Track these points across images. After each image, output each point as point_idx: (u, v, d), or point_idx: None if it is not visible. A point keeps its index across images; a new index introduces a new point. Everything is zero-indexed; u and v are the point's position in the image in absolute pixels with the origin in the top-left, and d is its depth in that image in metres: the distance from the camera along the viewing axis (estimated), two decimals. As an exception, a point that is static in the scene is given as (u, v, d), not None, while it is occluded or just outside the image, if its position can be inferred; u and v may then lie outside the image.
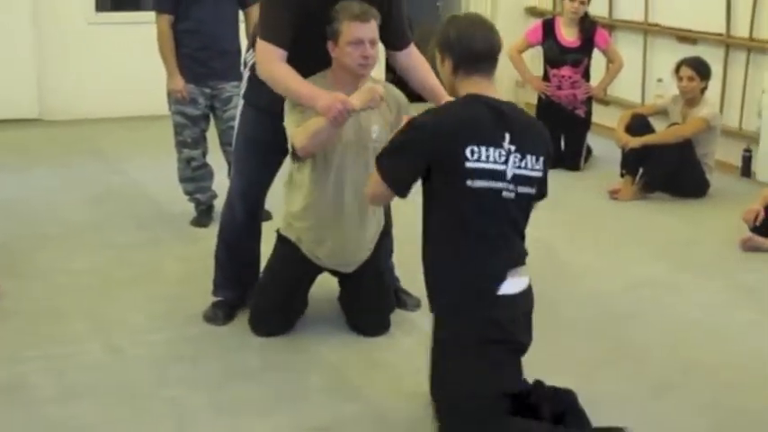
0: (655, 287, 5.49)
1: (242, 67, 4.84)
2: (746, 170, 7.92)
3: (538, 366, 4.45)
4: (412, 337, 4.69)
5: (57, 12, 9.30)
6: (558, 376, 4.33)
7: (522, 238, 3.85)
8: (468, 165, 3.60)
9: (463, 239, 3.67)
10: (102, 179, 7.43)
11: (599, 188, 7.36)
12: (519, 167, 3.69)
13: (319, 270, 4.74)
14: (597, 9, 8.69)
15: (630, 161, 7.27)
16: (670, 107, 7.37)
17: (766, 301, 5.33)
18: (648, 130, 7.31)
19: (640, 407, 4.13)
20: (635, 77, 9.04)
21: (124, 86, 9.48)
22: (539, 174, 3.77)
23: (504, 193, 3.67)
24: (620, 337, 4.81)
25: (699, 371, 4.45)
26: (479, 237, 3.67)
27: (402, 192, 3.76)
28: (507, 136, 3.67)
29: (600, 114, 8.76)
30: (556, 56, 8.06)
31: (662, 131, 7.28)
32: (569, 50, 8.02)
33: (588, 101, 8.16)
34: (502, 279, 3.69)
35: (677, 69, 7.18)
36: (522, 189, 3.71)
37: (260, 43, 4.33)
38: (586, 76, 8.10)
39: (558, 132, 8.16)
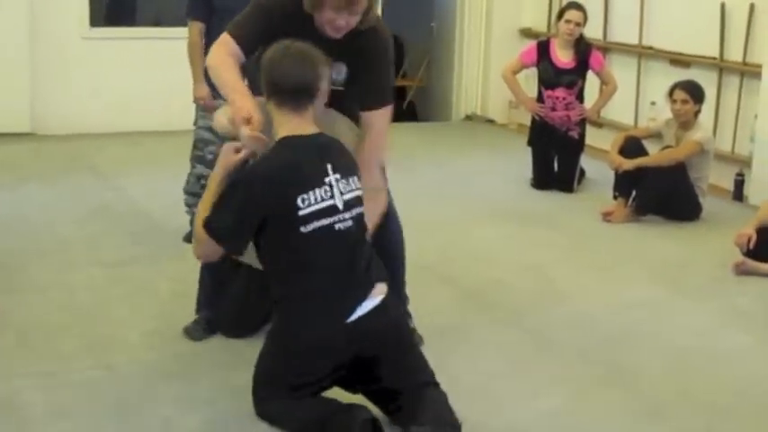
0: (647, 310, 5.49)
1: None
2: (739, 194, 7.94)
3: (529, 388, 4.46)
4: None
5: (51, 27, 9.30)
6: (550, 398, 4.35)
7: (370, 256, 3.94)
8: (301, 213, 3.74)
9: (308, 280, 3.82)
10: (95, 195, 7.42)
11: (592, 210, 7.37)
12: (346, 192, 3.84)
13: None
14: (592, 31, 8.72)
15: (624, 183, 7.28)
16: (663, 130, 7.38)
17: (760, 326, 5.34)
18: (642, 152, 7.33)
19: (632, 430, 4.13)
20: (629, 100, 9.08)
21: (118, 102, 9.49)
22: (359, 191, 3.92)
23: (337, 225, 3.80)
24: (612, 360, 4.81)
25: (692, 395, 4.45)
26: (323, 274, 3.81)
27: (239, 249, 3.93)
28: (329, 167, 3.82)
29: (593, 136, 8.79)
30: (550, 77, 8.08)
31: (655, 154, 7.30)
32: (564, 72, 8.03)
33: (582, 123, 8.17)
34: (352, 312, 3.80)
35: (671, 92, 7.20)
36: (356, 211, 3.87)
37: (223, 34, 4.27)
38: (580, 97, 8.12)
39: (552, 154, 8.19)
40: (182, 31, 9.74)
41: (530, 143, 8.33)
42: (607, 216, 7.23)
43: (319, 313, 3.79)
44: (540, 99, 8.18)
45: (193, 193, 6.32)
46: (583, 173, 8.26)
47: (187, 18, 6.21)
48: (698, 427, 4.17)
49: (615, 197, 7.36)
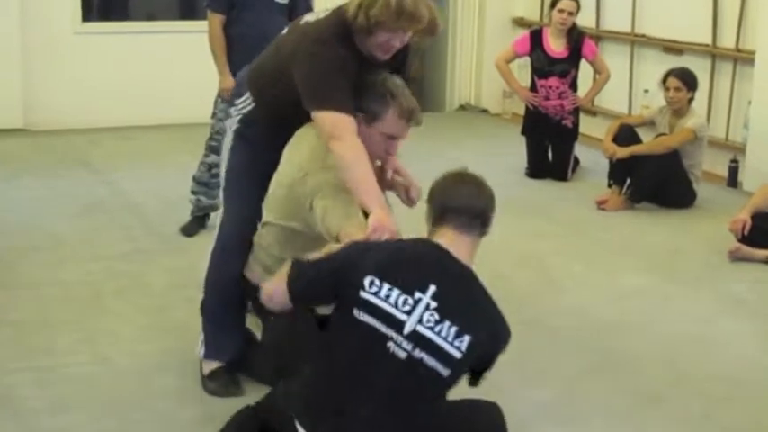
0: (642, 297, 5.50)
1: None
2: (733, 180, 7.94)
3: (525, 376, 4.46)
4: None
5: (43, 21, 9.27)
6: (545, 387, 4.36)
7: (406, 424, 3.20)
8: (363, 294, 3.19)
9: (314, 366, 3.31)
10: (89, 190, 7.41)
11: (586, 198, 7.37)
12: (428, 328, 3.15)
13: None
14: (584, 20, 8.72)
15: (618, 171, 7.29)
16: (657, 118, 7.38)
17: (755, 312, 5.35)
18: (636, 140, 7.33)
19: (628, 418, 4.14)
20: (622, 88, 9.07)
21: (111, 97, 9.46)
22: (456, 353, 3.16)
23: (390, 344, 3.15)
24: (607, 348, 4.82)
25: (687, 382, 4.46)
26: (328, 368, 3.26)
27: (299, 297, 3.39)
28: (432, 288, 3.19)
29: (587, 125, 8.79)
30: (543, 66, 8.08)
31: (649, 142, 7.30)
32: (557, 61, 8.03)
33: (575, 111, 8.17)
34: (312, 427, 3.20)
35: (664, 80, 7.20)
36: (423, 355, 3.14)
37: (329, 114, 3.71)
38: (574, 86, 8.11)
39: (546, 143, 8.19)
40: (173, 26, 9.85)
41: (524, 132, 8.32)
42: (601, 204, 7.23)
43: (307, 411, 3.24)
44: (533, 88, 8.18)
45: (202, 181, 6.33)
46: (577, 161, 8.26)
47: (207, 9, 6.18)
48: (694, 413, 4.18)
49: (609, 185, 7.37)
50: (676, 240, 6.56)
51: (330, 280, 3.30)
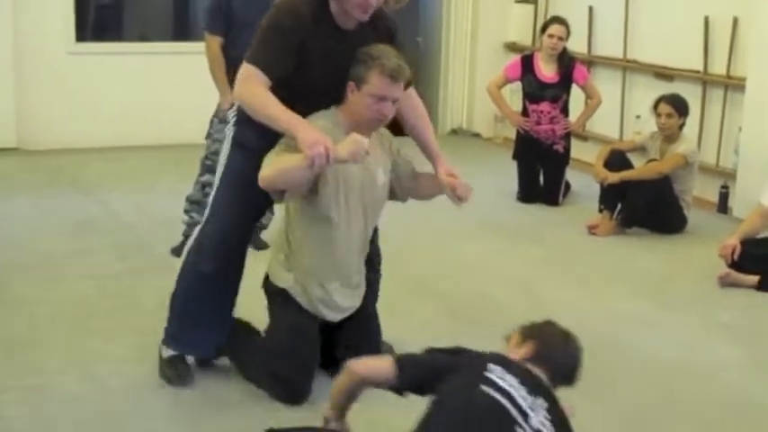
0: (632, 323, 5.51)
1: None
2: (723, 206, 7.97)
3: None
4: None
5: (37, 41, 9.28)
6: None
7: None
8: (488, 374, 3.20)
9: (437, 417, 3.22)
10: (81, 209, 7.41)
11: (577, 223, 7.39)
12: (546, 428, 3.16)
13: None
14: (576, 45, 8.76)
15: (609, 197, 7.31)
16: (648, 143, 7.41)
17: (744, 339, 5.35)
18: (627, 165, 7.35)
19: (619, 442, 4.15)
20: (613, 113, 9.10)
21: (103, 117, 9.48)
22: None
23: (517, 428, 3.10)
24: (596, 373, 4.79)
25: (675, 408, 4.46)
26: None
27: (404, 381, 3.43)
28: (544, 401, 3.23)
29: (578, 150, 8.82)
30: (535, 91, 8.11)
31: (640, 167, 7.32)
32: (548, 86, 8.06)
33: (567, 136, 8.19)
34: None
35: (656, 106, 7.23)
36: None
37: (245, 66, 4.08)
38: (565, 111, 8.14)
39: (537, 167, 8.21)
40: (167, 47, 9.88)
41: (515, 157, 8.34)
42: (592, 229, 7.25)
43: None
44: (524, 113, 8.20)
45: (195, 200, 6.33)
46: (568, 186, 8.28)
47: (205, 32, 6.20)
48: (683, 438, 4.19)
49: (600, 210, 7.39)
50: (667, 266, 6.58)
51: (444, 364, 3.37)
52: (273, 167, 4.03)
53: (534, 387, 3.24)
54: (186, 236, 6.33)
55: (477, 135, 10.97)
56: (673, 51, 8.57)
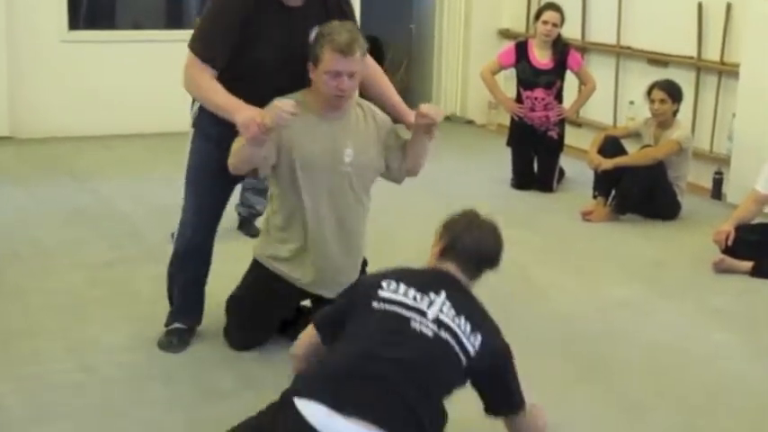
0: (627, 309, 5.52)
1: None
2: (717, 192, 7.98)
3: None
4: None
5: (29, 30, 9.26)
6: (528, 396, 4.35)
7: (424, 408, 3.20)
8: (381, 292, 3.40)
9: (332, 351, 3.42)
10: (74, 198, 7.40)
11: (571, 210, 7.39)
12: (449, 318, 3.34)
13: (300, 293, 4.67)
14: (570, 31, 8.75)
15: (603, 183, 7.31)
16: (642, 129, 7.42)
17: (737, 324, 5.36)
18: (621, 152, 7.36)
19: (611, 428, 4.15)
20: (607, 100, 9.11)
21: (96, 105, 9.46)
22: (471, 348, 3.34)
23: (415, 324, 3.30)
24: (591, 359, 4.83)
25: (670, 393, 4.47)
26: (346, 349, 3.33)
27: (325, 333, 3.57)
28: (443, 293, 3.41)
29: (572, 136, 8.82)
30: (529, 78, 8.10)
31: (634, 153, 7.33)
32: (542, 72, 8.05)
33: (561, 123, 8.19)
34: (312, 397, 3.14)
35: (649, 92, 7.23)
36: (448, 338, 3.31)
37: (188, 54, 4.29)
38: (559, 98, 8.14)
39: (531, 154, 8.21)
40: (160, 34, 9.85)
41: (509, 143, 8.35)
42: (586, 215, 7.25)
43: (313, 383, 3.25)
44: (518, 99, 8.20)
45: None
46: (562, 173, 8.28)
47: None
48: (676, 424, 4.20)
49: (594, 196, 7.39)
50: (661, 252, 6.58)
51: (347, 300, 3.59)
52: (232, 152, 4.26)
53: (430, 285, 3.41)
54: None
55: (470, 122, 10.97)
56: (666, 37, 8.57)
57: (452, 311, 3.36)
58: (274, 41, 4.32)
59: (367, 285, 3.53)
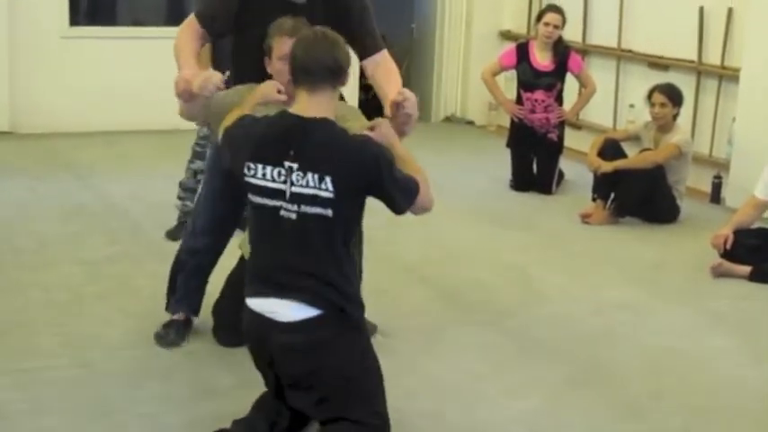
0: (625, 312, 5.52)
1: None
2: (716, 197, 7.98)
3: (506, 387, 4.47)
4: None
5: (30, 25, 9.26)
6: (527, 398, 4.37)
7: (320, 263, 3.67)
8: (247, 179, 3.70)
9: (252, 246, 3.84)
10: (73, 194, 7.40)
11: (571, 212, 7.39)
12: (299, 186, 3.62)
13: None
14: (571, 34, 8.76)
15: (602, 186, 7.31)
16: (642, 133, 7.42)
17: (735, 328, 5.36)
18: (621, 155, 7.36)
19: (610, 430, 4.15)
20: (607, 102, 9.11)
21: (97, 101, 9.46)
22: (327, 194, 3.60)
23: (283, 212, 3.66)
24: (589, 361, 4.83)
25: (668, 396, 4.47)
26: (255, 248, 3.81)
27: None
28: (292, 153, 3.64)
29: (572, 139, 8.82)
30: (529, 79, 8.10)
31: (634, 157, 7.33)
32: (543, 74, 8.05)
33: (561, 125, 8.19)
34: (253, 295, 3.74)
35: (650, 95, 7.23)
36: (306, 209, 3.62)
37: (190, 16, 4.54)
38: (559, 100, 8.14)
39: (531, 156, 8.21)
40: (161, 31, 9.83)
41: (509, 145, 8.34)
42: (585, 218, 7.25)
43: (250, 285, 3.76)
44: (519, 101, 8.20)
45: (188, 187, 6.34)
46: (561, 175, 8.28)
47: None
48: (674, 426, 4.20)
49: (594, 199, 7.39)
50: (659, 255, 6.58)
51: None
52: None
53: (283, 150, 3.64)
54: (180, 220, 6.34)
55: (470, 123, 10.97)
56: (667, 41, 8.57)
57: (300, 173, 3.62)
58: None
59: (235, 165, 3.76)
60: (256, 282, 3.74)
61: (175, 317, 4.83)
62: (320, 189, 3.60)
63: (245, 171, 3.68)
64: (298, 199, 3.62)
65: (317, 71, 3.67)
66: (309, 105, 3.68)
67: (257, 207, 3.71)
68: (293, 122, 3.68)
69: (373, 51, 4.56)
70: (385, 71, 4.58)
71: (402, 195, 3.71)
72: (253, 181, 3.67)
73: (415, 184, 3.74)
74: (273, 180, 3.64)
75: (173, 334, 4.76)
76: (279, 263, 3.70)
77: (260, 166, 3.66)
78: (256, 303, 3.71)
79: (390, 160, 3.68)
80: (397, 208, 3.73)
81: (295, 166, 3.62)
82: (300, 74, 3.70)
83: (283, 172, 3.63)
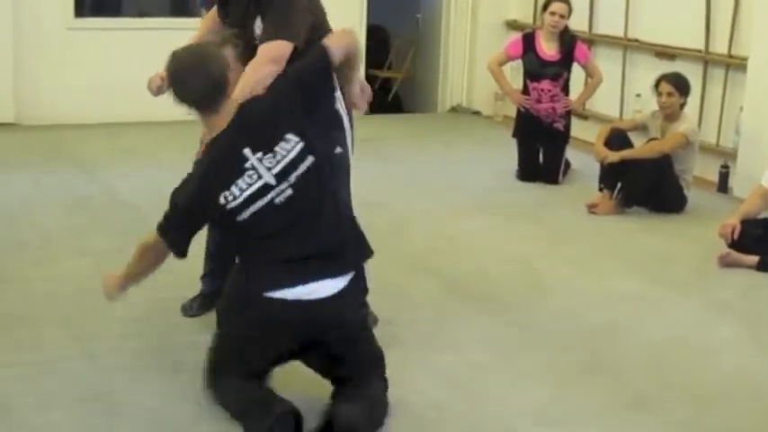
0: (632, 302, 5.50)
1: None
2: (723, 186, 7.95)
3: (513, 379, 4.46)
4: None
5: (36, 16, 9.26)
6: (534, 389, 4.36)
7: (332, 212, 3.86)
8: (230, 207, 3.75)
9: (268, 247, 3.83)
10: (79, 186, 7.39)
11: (577, 202, 7.37)
12: (276, 162, 3.74)
13: None
14: (577, 23, 8.72)
15: (609, 175, 7.28)
16: (649, 122, 7.39)
17: (743, 318, 5.34)
18: (627, 144, 7.33)
19: (616, 422, 4.14)
20: (614, 92, 9.08)
21: (102, 92, 9.46)
22: (298, 143, 3.77)
23: (276, 200, 3.75)
24: (596, 352, 4.82)
25: (675, 387, 4.46)
26: (264, 250, 3.83)
27: (182, 252, 4.07)
28: (247, 151, 3.75)
29: (579, 128, 8.80)
30: (535, 69, 8.07)
31: (641, 146, 7.30)
32: (549, 64, 8.02)
33: (567, 115, 8.17)
34: (280, 287, 3.77)
35: (657, 85, 7.20)
36: (297, 173, 3.75)
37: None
38: (566, 89, 8.11)
39: (537, 146, 8.19)
40: (166, 22, 9.83)
41: (515, 135, 8.32)
42: (592, 208, 7.23)
43: (279, 278, 3.78)
44: (525, 91, 8.18)
45: None
46: (568, 165, 8.26)
47: (201, 8, 6.27)
48: (682, 417, 4.18)
49: (600, 189, 7.37)
50: (666, 245, 6.56)
51: (198, 224, 4.07)
52: None
53: (238, 159, 3.75)
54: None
55: (477, 113, 10.95)
56: (674, 30, 8.54)
57: (269, 156, 3.74)
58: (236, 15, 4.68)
59: (207, 210, 3.89)
60: (281, 274, 3.77)
61: (203, 289, 5.02)
62: (290, 147, 3.75)
63: (225, 202, 3.75)
64: (284, 174, 3.74)
65: (203, 100, 3.86)
66: (224, 118, 3.84)
67: (250, 219, 3.76)
68: (224, 141, 3.82)
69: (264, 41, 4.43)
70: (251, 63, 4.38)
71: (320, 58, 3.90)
72: (238, 202, 3.75)
73: (325, 49, 3.90)
74: (250, 185, 3.74)
75: (195, 306, 4.99)
76: (299, 246, 3.77)
77: (233, 188, 3.74)
78: (291, 293, 3.74)
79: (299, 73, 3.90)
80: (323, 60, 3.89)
81: (259, 155, 3.74)
82: (195, 108, 3.91)
83: (251, 171, 3.74)
